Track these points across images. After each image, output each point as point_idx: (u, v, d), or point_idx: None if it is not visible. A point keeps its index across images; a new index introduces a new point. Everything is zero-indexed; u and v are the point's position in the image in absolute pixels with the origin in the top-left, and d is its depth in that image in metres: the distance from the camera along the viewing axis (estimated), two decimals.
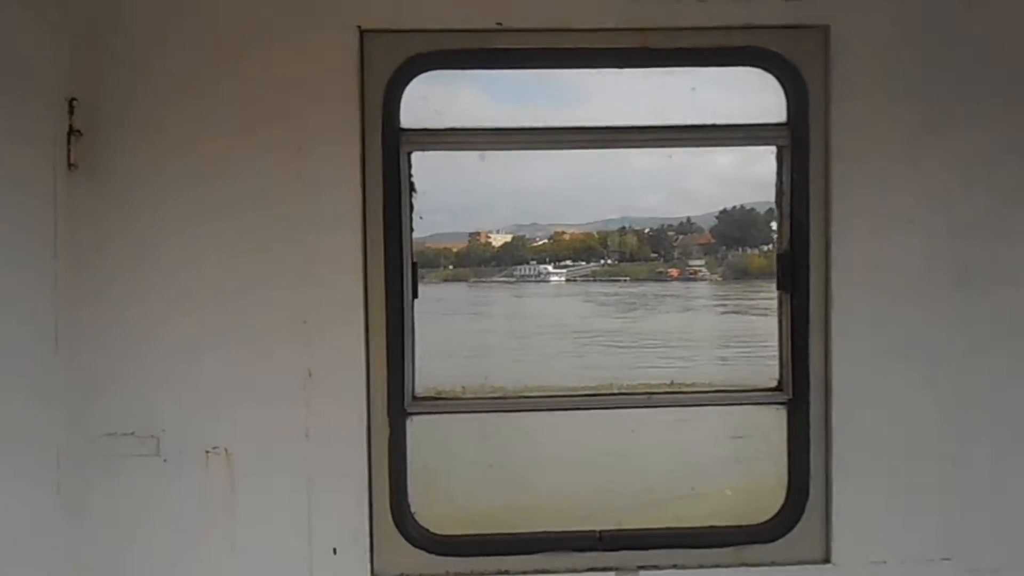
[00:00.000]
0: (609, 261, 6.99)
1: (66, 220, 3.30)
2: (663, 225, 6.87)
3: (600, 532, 3.66)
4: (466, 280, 7.09)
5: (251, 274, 3.47)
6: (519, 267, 7.01)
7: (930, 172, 3.59)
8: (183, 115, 3.42)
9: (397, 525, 3.59)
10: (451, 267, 7.41)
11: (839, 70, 3.54)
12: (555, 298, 6.91)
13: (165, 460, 3.48)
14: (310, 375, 3.50)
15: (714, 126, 3.68)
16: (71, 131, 3.27)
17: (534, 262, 6.98)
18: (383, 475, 3.58)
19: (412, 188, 3.61)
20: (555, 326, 7.37)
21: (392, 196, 3.55)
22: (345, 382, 3.51)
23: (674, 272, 6.67)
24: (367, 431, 3.54)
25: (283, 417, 3.49)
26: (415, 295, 3.63)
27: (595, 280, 6.88)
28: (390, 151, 3.53)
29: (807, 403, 3.66)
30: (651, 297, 6.88)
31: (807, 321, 3.65)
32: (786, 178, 3.66)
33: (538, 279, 6.92)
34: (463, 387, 3.73)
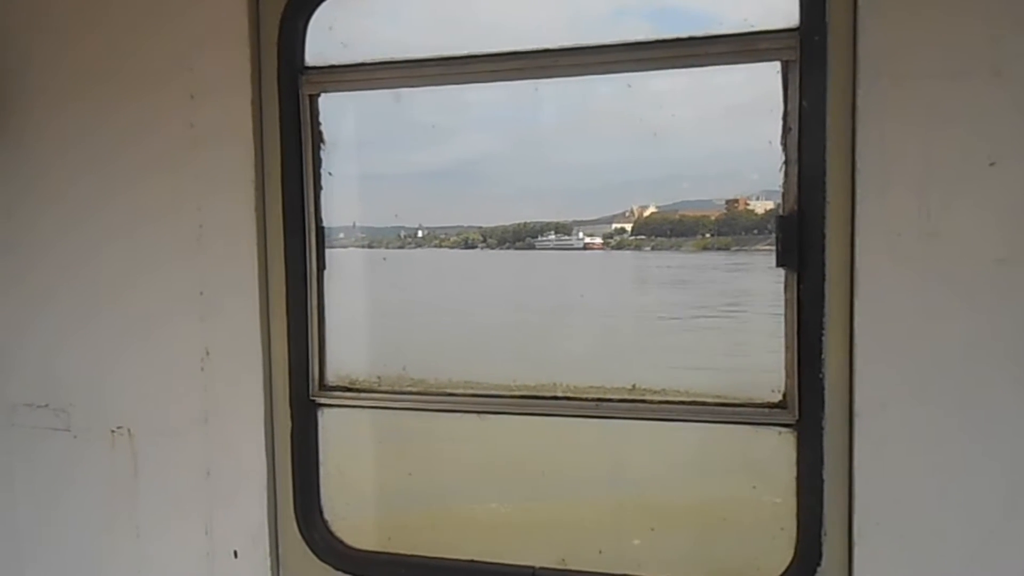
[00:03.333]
0: None
1: None
2: None
3: (535, 570, 2.88)
4: (727, 248, 6.62)
5: (147, 238, 3.12)
6: None
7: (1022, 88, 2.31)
8: (75, 64, 3.13)
9: (302, 532, 3.09)
10: (708, 235, 7.27)
11: None
12: None
13: (75, 436, 3.28)
14: (207, 354, 3.09)
15: (691, 39, 2.67)
16: None
17: None
18: (287, 473, 3.09)
19: (320, 138, 3.04)
20: None
21: (291, 147, 3.00)
22: (242, 364, 3.06)
23: None
24: (268, 421, 3.07)
25: (181, 399, 3.13)
26: (322, 266, 3.07)
27: None
28: (288, 94, 2.98)
29: (820, 428, 2.58)
30: None
31: (822, 312, 2.55)
32: (794, 107, 2.57)
33: None
34: (379, 377, 3.11)
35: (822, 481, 2.58)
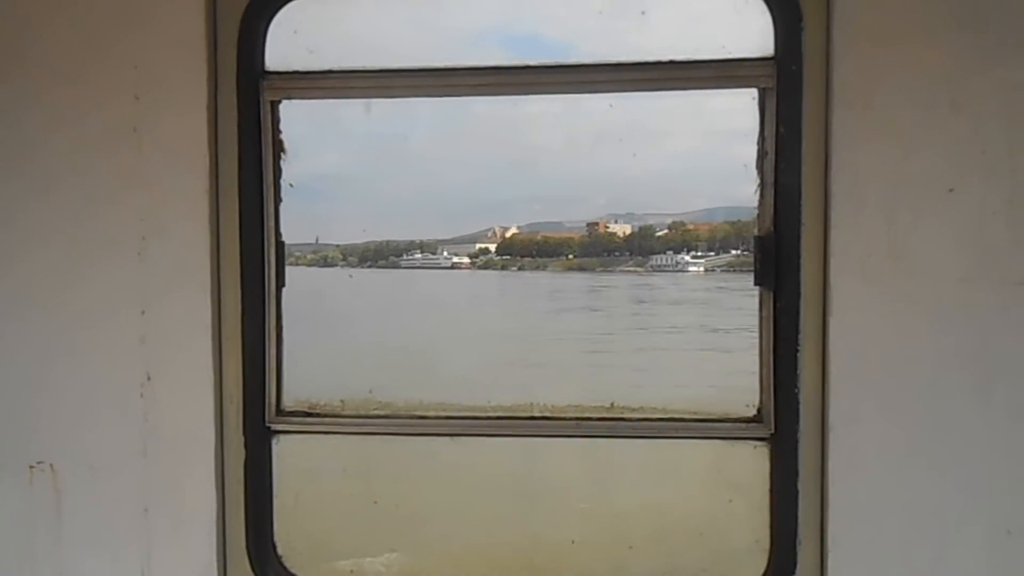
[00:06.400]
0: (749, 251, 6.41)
1: None
2: None
3: None
4: (592, 270, 7.04)
5: (83, 253, 2.82)
6: (655, 257, 6.78)
7: (980, 122, 2.51)
8: (14, 61, 2.81)
9: (255, 569, 2.87)
10: (572, 256, 7.21)
11: None
12: None
13: None
14: (148, 379, 2.82)
15: (671, 63, 2.73)
16: None
17: (670, 252, 6.65)
18: (238, 507, 2.86)
19: (280, 147, 2.87)
20: None
21: (250, 156, 2.81)
22: (190, 389, 2.81)
23: None
24: (218, 451, 2.83)
25: (114, 429, 2.83)
26: (281, 283, 2.89)
27: (734, 271, 6.25)
28: (248, 100, 2.80)
29: (795, 441, 2.67)
30: None
31: (797, 329, 2.66)
32: (770, 132, 2.67)
33: (675, 268, 6.58)
34: (342, 401, 2.95)
35: (796, 492, 2.67)
